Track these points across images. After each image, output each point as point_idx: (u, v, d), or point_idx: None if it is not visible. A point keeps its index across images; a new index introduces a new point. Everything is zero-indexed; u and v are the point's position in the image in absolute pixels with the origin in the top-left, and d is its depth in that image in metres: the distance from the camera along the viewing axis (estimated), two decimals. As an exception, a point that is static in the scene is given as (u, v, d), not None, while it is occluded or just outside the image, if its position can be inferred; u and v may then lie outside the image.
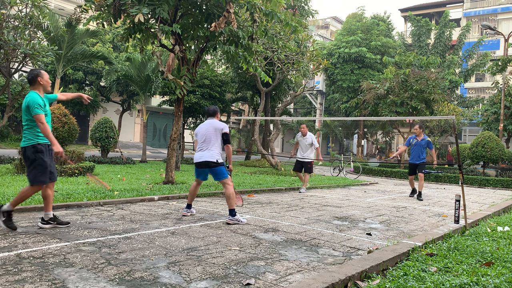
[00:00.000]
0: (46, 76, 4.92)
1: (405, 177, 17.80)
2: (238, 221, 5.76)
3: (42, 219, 4.88)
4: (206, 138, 6.13)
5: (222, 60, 20.62)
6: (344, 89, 29.79)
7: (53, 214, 4.93)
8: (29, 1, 10.15)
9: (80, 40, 15.08)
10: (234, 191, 6.12)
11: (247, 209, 7.13)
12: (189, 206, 6.29)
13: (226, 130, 6.20)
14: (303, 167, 10.89)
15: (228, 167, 6.35)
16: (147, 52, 14.43)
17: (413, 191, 10.60)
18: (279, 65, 16.23)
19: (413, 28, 32.82)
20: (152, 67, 17.03)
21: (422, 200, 9.91)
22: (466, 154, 17.05)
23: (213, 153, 6.01)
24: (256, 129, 19.11)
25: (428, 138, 10.21)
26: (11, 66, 11.12)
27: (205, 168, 6.06)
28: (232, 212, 5.78)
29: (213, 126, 6.16)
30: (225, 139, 6.17)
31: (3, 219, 4.62)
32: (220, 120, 6.56)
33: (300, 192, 10.49)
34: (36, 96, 4.74)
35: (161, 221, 5.59)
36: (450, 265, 3.88)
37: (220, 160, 6.02)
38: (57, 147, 4.72)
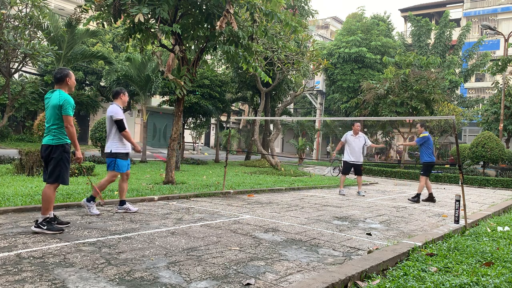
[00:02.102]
0: (73, 77, 4.99)
1: (405, 177, 17.80)
2: (128, 209, 6.03)
3: (37, 221, 4.79)
4: (106, 127, 5.99)
5: (222, 60, 20.63)
6: (344, 89, 29.78)
7: (53, 214, 4.91)
8: (29, 1, 10.15)
9: (80, 40, 15.08)
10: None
11: (247, 209, 7.13)
12: (122, 203, 6.14)
13: (116, 116, 5.79)
14: (352, 169, 10.54)
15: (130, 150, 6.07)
16: (147, 52, 14.44)
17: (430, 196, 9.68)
18: (279, 65, 16.23)
19: (413, 28, 32.81)
20: (152, 67, 17.03)
21: (415, 202, 9.26)
22: (466, 154, 17.06)
23: (109, 143, 5.89)
24: (256, 129, 19.11)
25: (423, 134, 9.51)
26: (11, 66, 11.12)
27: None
28: (122, 203, 6.06)
29: (107, 114, 5.91)
30: (118, 126, 5.82)
31: (45, 228, 4.58)
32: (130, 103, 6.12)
33: (362, 195, 10.30)
34: (70, 96, 4.80)
35: (161, 221, 5.59)
36: (450, 265, 3.88)
37: (114, 150, 5.83)
38: (80, 153, 4.86)
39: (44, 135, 4.87)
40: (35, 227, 4.60)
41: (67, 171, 4.80)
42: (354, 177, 16.65)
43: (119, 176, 6.08)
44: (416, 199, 9.34)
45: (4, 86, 11.28)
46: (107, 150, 5.90)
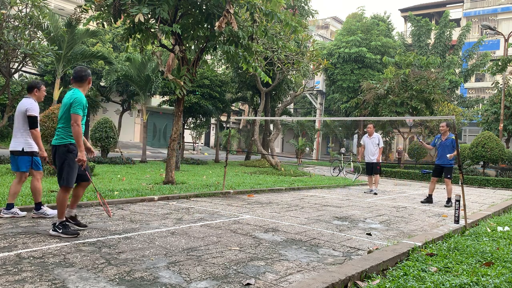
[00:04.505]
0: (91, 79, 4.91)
1: (405, 177, 17.81)
2: (15, 214, 5.33)
3: (54, 224, 4.65)
4: (15, 121, 5.41)
5: (222, 60, 20.63)
6: (344, 89, 29.79)
7: (75, 213, 4.83)
8: (29, 1, 10.16)
9: (80, 40, 15.08)
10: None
11: (247, 209, 7.13)
12: (9, 206, 5.37)
13: (31, 112, 5.25)
14: (373, 169, 11.06)
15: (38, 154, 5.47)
16: (147, 52, 14.45)
17: (429, 197, 9.46)
18: (279, 65, 16.23)
19: (413, 28, 32.81)
20: (152, 67, 17.03)
21: (450, 206, 8.81)
22: (466, 154, 17.06)
23: (20, 140, 5.33)
24: (256, 129, 19.11)
25: (454, 137, 8.63)
26: (11, 66, 11.12)
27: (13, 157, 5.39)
28: (10, 206, 5.34)
29: (19, 108, 5.32)
30: (30, 122, 5.27)
31: (60, 231, 4.47)
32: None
33: (375, 194, 10.79)
34: (83, 96, 4.63)
35: (161, 221, 5.59)
36: (450, 265, 3.88)
37: (27, 149, 5.33)
38: (82, 154, 4.55)
39: None
40: (52, 230, 4.52)
41: (72, 172, 4.59)
42: (354, 177, 16.80)
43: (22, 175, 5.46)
44: (450, 204, 8.92)
45: (4, 86, 11.28)
46: (17, 147, 5.32)
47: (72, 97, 4.56)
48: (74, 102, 4.54)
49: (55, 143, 4.63)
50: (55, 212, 5.40)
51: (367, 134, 11.07)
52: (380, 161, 11.11)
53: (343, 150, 22.09)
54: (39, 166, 5.52)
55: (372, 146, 10.86)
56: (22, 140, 5.34)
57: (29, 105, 5.30)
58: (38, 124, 5.40)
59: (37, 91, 5.51)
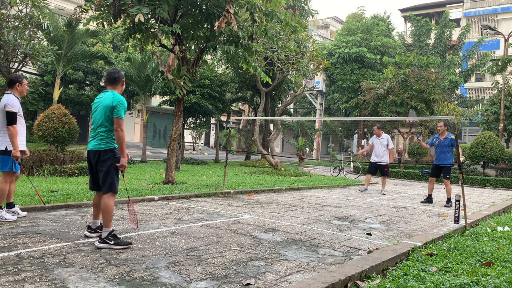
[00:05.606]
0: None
1: (405, 177, 17.80)
2: (1, 218, 5.09)
3: (89, 227, 4.54)
4: None
5: (222, 60, 20.64)
6: (344, 89, 29.80)
7: (100, 223, 4.56)
8: (29, 1, 10.16)
9: (80, 40, 15.09)
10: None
11: (247, 209, 7.13)
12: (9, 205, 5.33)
13: (9, 108, 4.98)
14: (377, 170, 11.18)
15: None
16: (147, 52, 14.45)
17: (429, 197, 9.45)
18: (279, 65, 16.23)
19: (413, 28, 32.82)
20: (152, 67, 17.04)
21: (450, 206, 8.80)
22: (466, 154, 17.05)
23: (3, 139, 5.11)
24: (256, 129, 19.11)
25: (453, 136, 8.74)
26: (11, 66, 11.12)
27: None
28: None
29: (0, 104, 5.08)
30: (8, 118, 4.99)
31: (112, 243, 4.13)
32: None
33: (383, 194, 10.95)
34: (123, 98, 4.37)
35: (161, 221, 5.59)
36: (450, 265, 3.88)
37: (10, 148, 5.07)
38: (125, 160, 4.35)
39: (90, 139, 4.42)
40: (100, 242, 4.15)
41: (117, 178, 4.39)
42: (354, 177, 16.81)
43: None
44: (450, 203, 8.92)
45: (4, 86, 11.28)
46: (0, 147, 5.09)
47: (115, 99, 4.27)
48: (118, 104, 4.26)
49: (100, 148, 4.30)
50: (13, 217, 5.18)
51: (375, 135, 11.18)
52: (389, 162, 11.12)
53: (349, 150, 22.19)
54: (16, 168, 5.23)
55: (380, 146, 10.95)
56: (6, 139, 5.09)
57: (7, 100, 5.02)
58: (17, 121, 5.08)
59: (19, 85, 5.22)
